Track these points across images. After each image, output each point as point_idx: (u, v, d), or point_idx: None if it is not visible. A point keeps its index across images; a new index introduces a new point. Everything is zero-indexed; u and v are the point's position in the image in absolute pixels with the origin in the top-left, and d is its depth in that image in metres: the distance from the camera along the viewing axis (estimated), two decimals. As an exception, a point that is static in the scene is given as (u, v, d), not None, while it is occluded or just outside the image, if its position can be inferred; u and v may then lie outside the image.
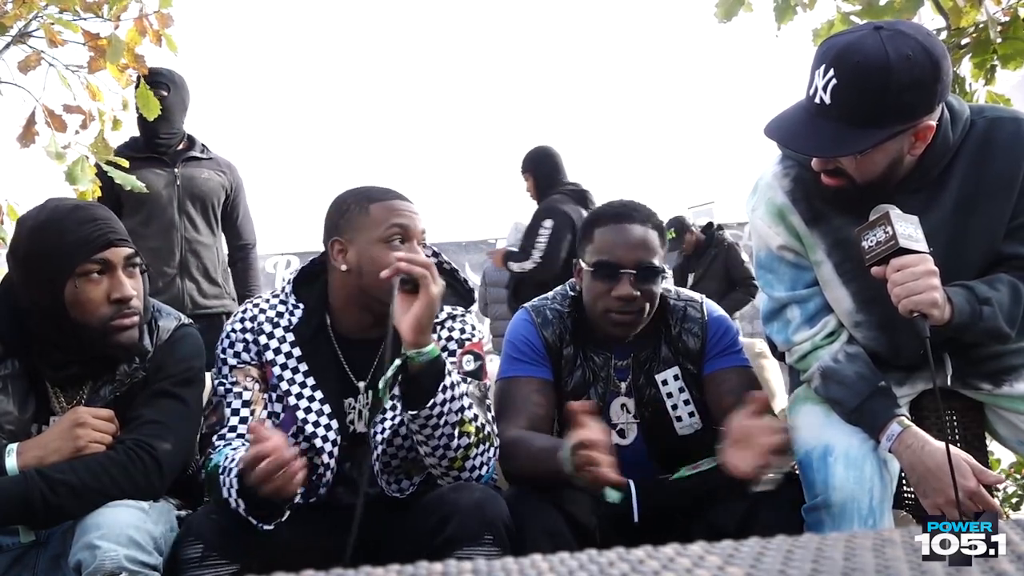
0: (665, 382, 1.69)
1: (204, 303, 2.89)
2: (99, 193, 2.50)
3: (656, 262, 1.63)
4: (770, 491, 1.38)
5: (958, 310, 1.34)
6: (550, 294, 1.80)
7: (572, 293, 1.77)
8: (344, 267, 1.51)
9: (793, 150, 1.47)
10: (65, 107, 2.37)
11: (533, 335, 1.70)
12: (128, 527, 1.24)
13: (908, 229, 1.29)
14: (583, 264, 1.68)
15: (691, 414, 1.68)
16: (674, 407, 1.68)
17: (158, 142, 2.85)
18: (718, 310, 1.77)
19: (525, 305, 1.79)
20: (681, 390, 1.69)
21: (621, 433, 1.71)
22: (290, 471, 1.24)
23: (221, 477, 1.35)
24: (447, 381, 1.40)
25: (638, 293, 1.61)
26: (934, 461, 1.35)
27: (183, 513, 1.46)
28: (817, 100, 1.33)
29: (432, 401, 1.38)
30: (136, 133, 2.89)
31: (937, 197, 1.43)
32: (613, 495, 1.31)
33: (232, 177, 3.06)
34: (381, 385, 1.38)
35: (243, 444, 1.44)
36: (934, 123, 1.35)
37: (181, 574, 1.29)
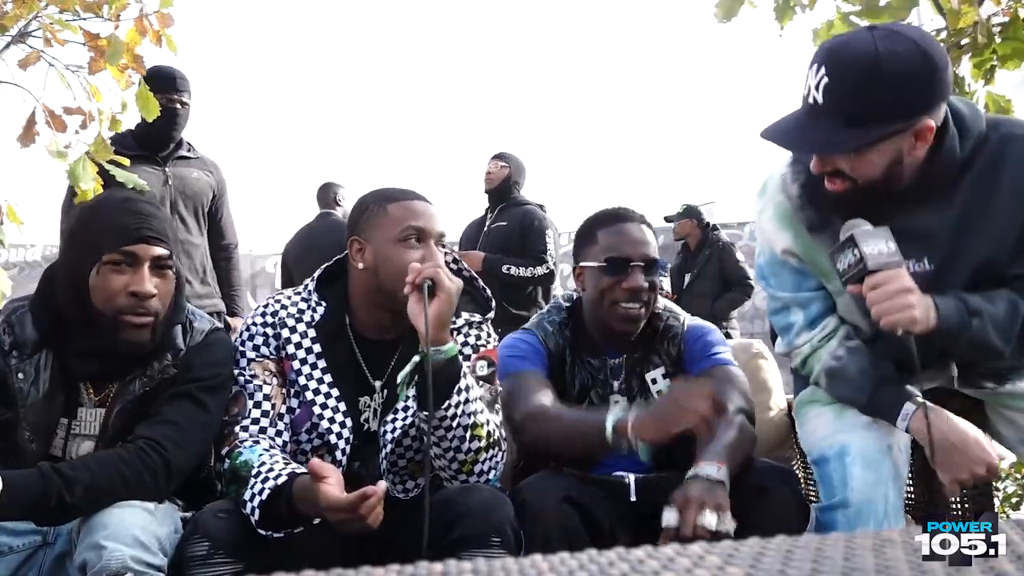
0: (654, 380, 1.76)
1: (196, 304, 2.89)
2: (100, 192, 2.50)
3: (657, 255, 1.74)
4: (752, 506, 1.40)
5: (944, 317, 1.32)
6: (543, 310, 1.88)
7: (567, 304, 1.84)
8: (361, 265, 1.53)
9: (788, 149, 1.46)
10: (65, 109, 2.37)
11: (534, 340, 1.77)
12: (134, 527, 1.24)
13: (878, 246, 1.28)
14: (588, 264, 1.75)
15: None
16: None
17: (162, 143, 2.85)
18: (697, 321, 1.85)
19: (526, 327, 1.84)
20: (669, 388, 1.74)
21: None
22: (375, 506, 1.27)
23: (252, 480, 1.35)
24: (462, 384, 1.40)
25: (647, 284, 1.71)
26: (959, 436, 1.36)
27: (187, 514, 1.46)
28: (811, 100, 1.32)
29: (447, 403, 1.39)
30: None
31: (942, 210, 1.41)
32: (646, 453, 1.42)
33: (218, 177, 3.07)
34: (400, 379, 1.39)
35: (271, 443, 1.46)
36: (934, 124, 1.32)
37: (186, 572, 1.28)
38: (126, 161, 2.44)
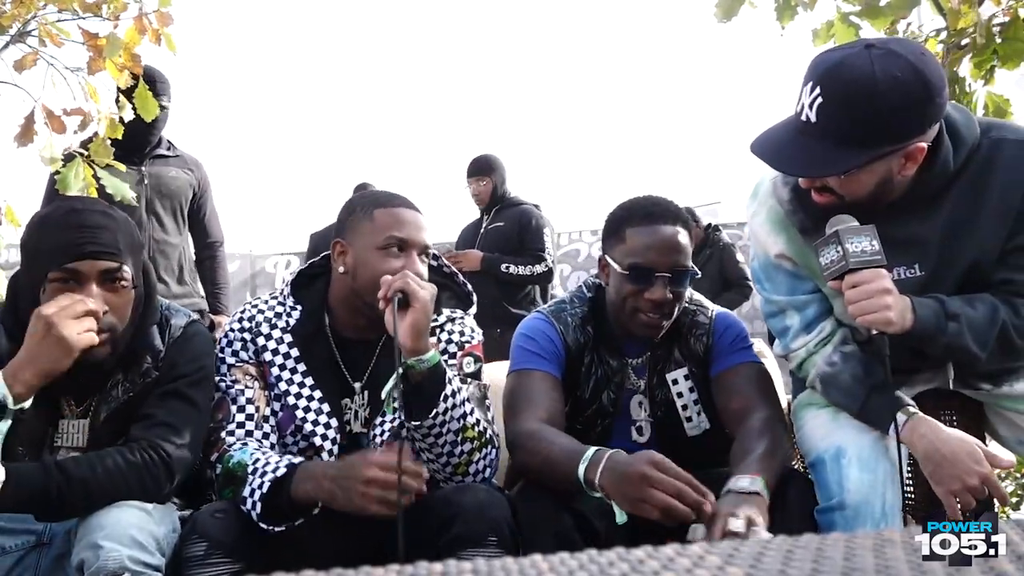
0: (676, 381, 1.70)
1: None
2: (95, 195, 2.48)
3: (688, 264, 1.62)
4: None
5: (920, 319, 1.32)
6: (565, 297, 1.79)
7: (590, 294, 1.76)
8: (342, 269, 1.53)
9: (778, 169, 1.44)
10: (64, 110, 2.36)
11: (553, 334, 1.69)
12: (131, 527, 1.24)
13: (861, 244, 1.28)
14: (612, 263, 1.65)
15: (699, 413, 1.70)
16: (684, 407, 1.69)
17: (140, 144, 2.82)
18: (724, 311, 1.78)
19: (541, 310, 1.77)
20: (691, 390, 1.70)
21: (639, 430, 1.72)
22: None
23: (250, 477, 1.36)
24: (448, 389, 1.40)
25: (671, 296, 1.60)
26: (949, 448, 1.34)
27: (184, 513, 1.46)
28: (803, 118, 1.30)
29: (435, 411, 1.38)
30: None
31: (931, 218, 1.40)
32: (622, 516, 1.28)
33: (199, 174, 3.05)
34: (384, 395, 1.39)
35: (258, 444, 1.46)
36: (925, 145, 1.31)
37: (184, 572, 1.28)
38: (122, 167, 2.43)
